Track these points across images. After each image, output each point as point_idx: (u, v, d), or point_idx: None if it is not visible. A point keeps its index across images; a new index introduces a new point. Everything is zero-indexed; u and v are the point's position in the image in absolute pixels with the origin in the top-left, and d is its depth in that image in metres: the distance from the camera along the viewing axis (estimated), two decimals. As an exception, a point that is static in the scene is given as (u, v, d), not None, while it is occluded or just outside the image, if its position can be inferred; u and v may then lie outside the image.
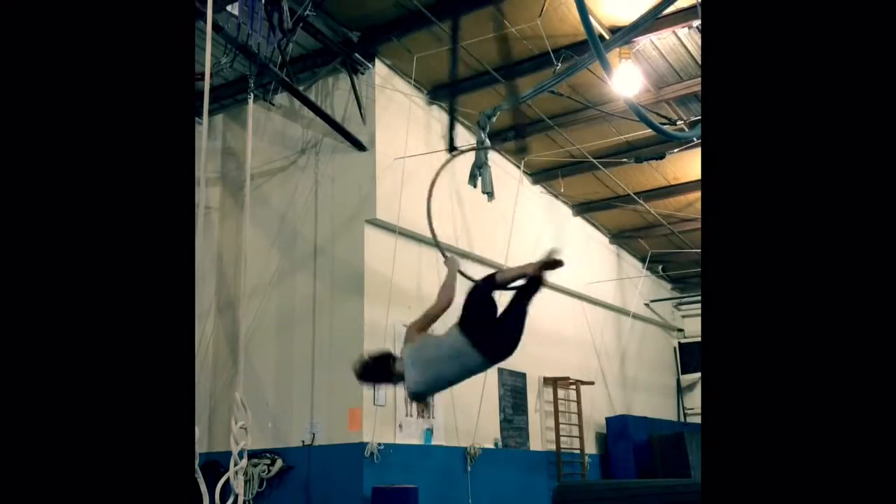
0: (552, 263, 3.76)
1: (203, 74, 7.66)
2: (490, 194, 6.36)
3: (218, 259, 8.79)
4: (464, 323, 3.73)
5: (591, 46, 4.75)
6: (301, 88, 8.12)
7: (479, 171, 6.32)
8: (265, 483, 7.57)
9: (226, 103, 8.98)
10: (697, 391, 14.32)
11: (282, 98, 8.67)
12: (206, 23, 5.95)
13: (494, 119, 6.53)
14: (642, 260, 13.34)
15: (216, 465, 7.25)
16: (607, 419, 11.48)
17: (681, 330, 14.88)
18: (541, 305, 10.83)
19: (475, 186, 6.32)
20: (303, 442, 7.66)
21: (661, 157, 9.70)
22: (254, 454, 7.58)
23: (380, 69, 8.23)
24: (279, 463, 7.57)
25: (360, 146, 8.06)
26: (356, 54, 8.01)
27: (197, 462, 5.11)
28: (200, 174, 6.85)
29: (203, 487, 5.17)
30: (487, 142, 6.51)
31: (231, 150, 9.17)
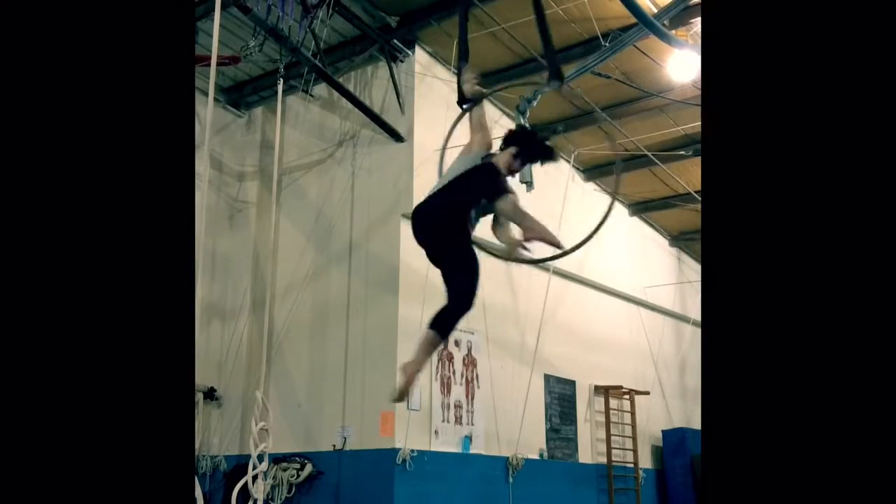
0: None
1: (236, 58, 7.44)
2: (529, 184, 5.90)
3: (254, 255, 8.54)
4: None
5: (633, 15, 4.23)
6: (339, 77, 7.81)
7: (517, 158, 5.86)
8: (294, 488, 7.23)
9: (265, 95, 8.75)
10: (764, 405, 13.46)
11: (320, 89, 8.38)
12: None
13: (535, 103, 6.06)
14: (705, 264, 12.59)
15: (248, 468, 6.95)
16: (664, 432, 10.80)
17: (747, 339, 14.05)
18: (594, 310, 10.35)
19: (513, 176, 5.86)
20: (333, 446, 7.30)
21: (724, 150, 9.04)
22: (283, 458, 7.29)
23: (420, 56, 7.85)
24: (308, 468, 7.22)
25: (398, 137, 7.69)
26: (395, 41, 7.64)
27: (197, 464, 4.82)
28: (203, 169, 6.59)
29: (199, 492, 4.85)
30: (528, 128, 6.05)
31: (270, 144, 8.91)
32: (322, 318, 7.82)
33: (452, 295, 3.67)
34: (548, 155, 3.89)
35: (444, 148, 4.32)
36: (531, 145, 3.82)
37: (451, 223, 3.62)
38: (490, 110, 8.50)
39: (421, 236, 3.78)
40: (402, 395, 3.66)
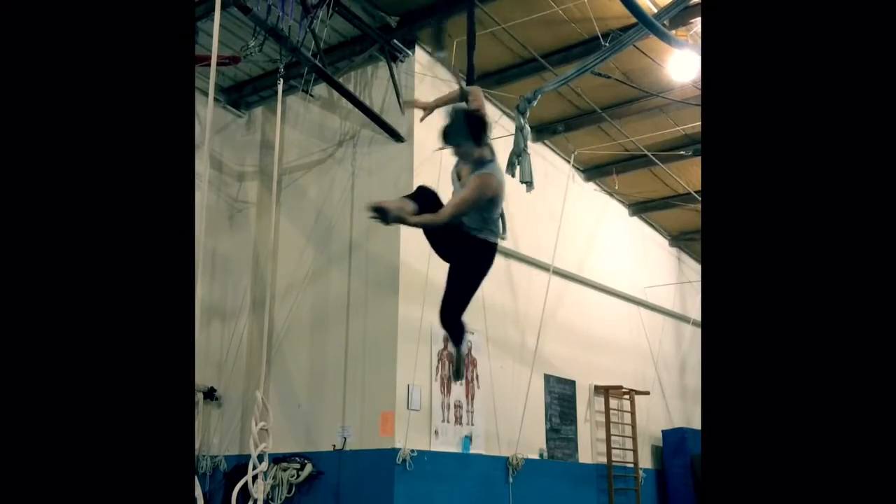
0: None
1: (236, 58, 7.44)
2: (529, 184, 5.90)
3: (254, 255, 8.54)
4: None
5: (633, 15, 4.24)
6: (339, 77, 7.80)
7: (517, 158, 5.86)
8: (294, 488, 7.23)
9: (265, 95, 8.75)
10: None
11: (320, 89, 8.38)
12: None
13: (535, 103, 6.06)
14: (705, 264, 12.57)
15: (248, 468, 6.95)
16: (664, 432, 10.80)
17: (747, 339, 14.02)
18: (594, 310, 10.36)
19: (513, 175, 5.87)
20: (333, 446, 7.30)
21: (724, 150, 9.03)
22: (283, 458, 7.28)
23: (420, 56, 7.84)
24: (308, 468, 7.21)
25: (398, 137, 7.69)
26: (395, 41, 7.64)
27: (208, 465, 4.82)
28: (203, 169, 6.58)
29: (199, 492, 4.84)
30: (527, 128, 6.05)
31: (270, 144, 8.91)
32: (322, 318, 7.82)
33: (448, 300, 3.96)
34: (476, 126, 3.72)
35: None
36: (457, 128, 3.72)
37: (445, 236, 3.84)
38: (490, 110, 8.50)
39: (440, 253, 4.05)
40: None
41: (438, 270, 7.35)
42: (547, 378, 9.01)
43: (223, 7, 5.83)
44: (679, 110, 8.53)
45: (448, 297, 3.91)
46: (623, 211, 11.19)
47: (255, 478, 6.37)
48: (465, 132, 3.68)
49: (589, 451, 9.53)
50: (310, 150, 8.42)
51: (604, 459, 9.60)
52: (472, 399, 7.88)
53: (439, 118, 4.21)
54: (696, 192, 10.23)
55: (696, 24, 7.06)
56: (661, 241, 12.12)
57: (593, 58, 5.91)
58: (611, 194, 10.76)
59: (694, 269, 12.73)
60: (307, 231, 8.21)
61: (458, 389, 7.74)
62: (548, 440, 8.85)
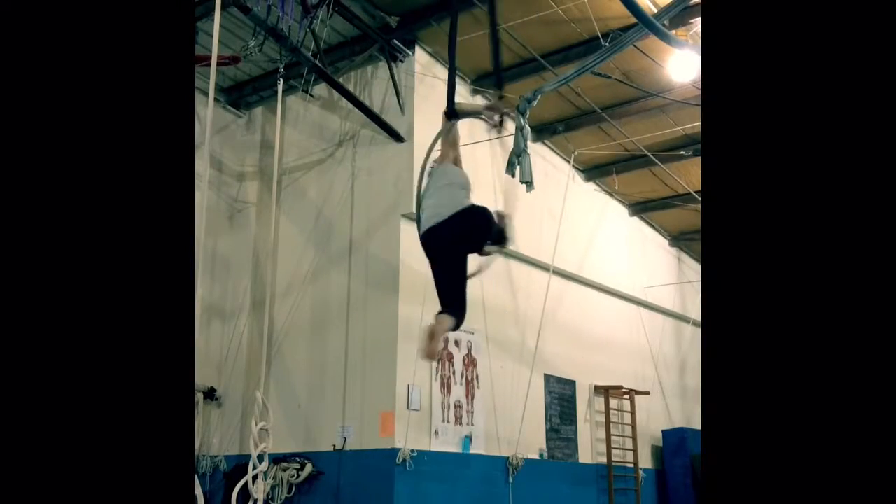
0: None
1: (236, 58, 7.44)
2: (529, 184, 5.89)
3: (254, 255, 8.54)
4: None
5: (633, 15, 4.23)
6: (339, 77, 7.80)
7: (517, 158, 5.86)
8: (294, 488, 7.23)
9: (265, 95, 8.75)
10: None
11: (320, 89, 8.38)
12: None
13: (535, 103, 6.07)
14: (705, 264, 12.56)
15: (248, 467, 6.95)
16: (664, 432, 10.79)
17: (747, 339, 14.00)
18: (594, 310, 10.36)
19: (513, 175, 5.87)
20: (333, 446, 7.30)
21: (724, 150, 9.02)
22: (283, 458, 7.29)
23: (420, 56, 7.84)
24: (308, 468, 7.22)
25: (398, 137, 7.69)
26: (395, 41, 7.64)
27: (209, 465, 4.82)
28: (203, 169, 6.57)
29: (199, 492, 4.85)
30: (527, 128, 6.05)
31: (270, 144, 8.92)
32: (322, 318, 7.82)
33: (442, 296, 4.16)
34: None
35: (428, 152, 4.54)
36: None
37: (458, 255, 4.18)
38: (490, 110, 8.51)
39: (430, 253, 4.29)
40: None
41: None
42: (547, 378, 9.01)
43: (223, 7, 5.83)
44: (679, 110, 8.53)
45: (441, 293, 4.01)
46: (623, 211, 11.19)
47: (255, 478, 6.38)
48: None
49: (589, 451, 9.53)
50: (310, 150, 8.42)
51: (604, 459, 9.59)
52: (472, 399, 7.88)
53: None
54: (696, 192, 10.23)
55: (696, 24, 7.05)
56: (661, 241, 12.12)
57: (593, 58, 5.91)
58: (611, 194, 10.75)
59: (694, 269, 12.72)
60: (307, 231, 8.21)
61: (458, 389, 7.74)
62: (548, 440, 8.85)
